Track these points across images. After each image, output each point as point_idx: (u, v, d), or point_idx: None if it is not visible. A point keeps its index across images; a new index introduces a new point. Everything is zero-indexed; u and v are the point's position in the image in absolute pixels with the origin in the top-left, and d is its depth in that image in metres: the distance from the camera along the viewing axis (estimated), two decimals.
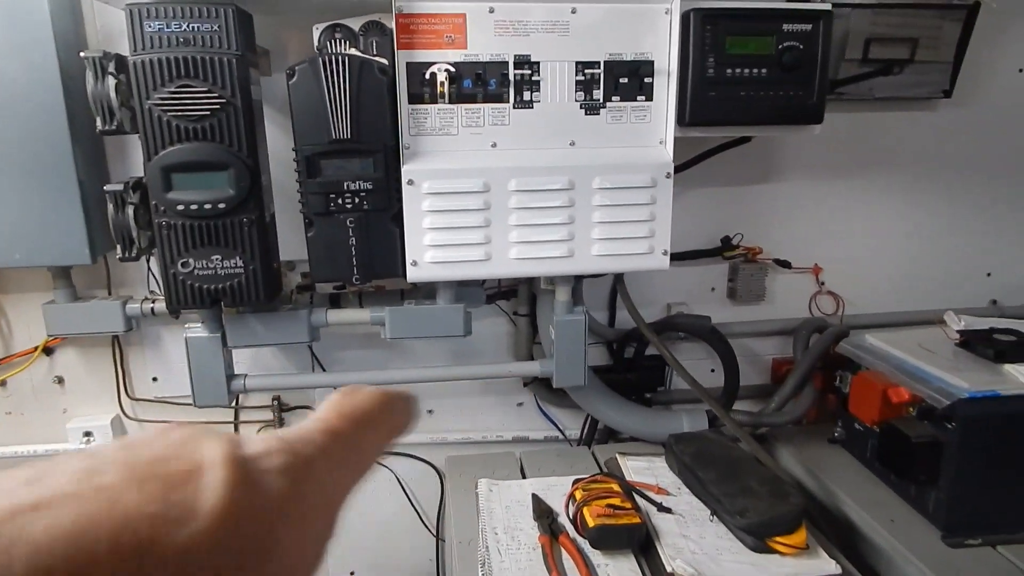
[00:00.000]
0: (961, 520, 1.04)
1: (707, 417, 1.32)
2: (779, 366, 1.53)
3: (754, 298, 1.49)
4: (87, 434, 1.34)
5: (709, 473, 1.09)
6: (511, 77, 1.05)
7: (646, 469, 1.19)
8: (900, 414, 1.12)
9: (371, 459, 0.29)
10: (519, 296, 1.38)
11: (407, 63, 1.02)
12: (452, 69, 1.03)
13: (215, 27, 0.96)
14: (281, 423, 1.42)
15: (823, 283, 1.53)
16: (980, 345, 1.17)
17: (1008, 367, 1.10)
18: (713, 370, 1.50)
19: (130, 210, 1.03)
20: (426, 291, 1.23)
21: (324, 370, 1.40)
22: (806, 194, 1.47)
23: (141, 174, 1.01)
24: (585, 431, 1.46)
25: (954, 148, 1.50)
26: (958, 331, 1.23)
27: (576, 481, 1.09)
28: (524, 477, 1.22)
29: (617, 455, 1.24)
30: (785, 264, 1.48)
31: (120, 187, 1.02)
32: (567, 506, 1.07)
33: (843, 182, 1.48)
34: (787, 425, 1.38)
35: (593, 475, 1.11)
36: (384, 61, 1.02)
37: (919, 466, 1.06)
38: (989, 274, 1.59)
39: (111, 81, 0.98)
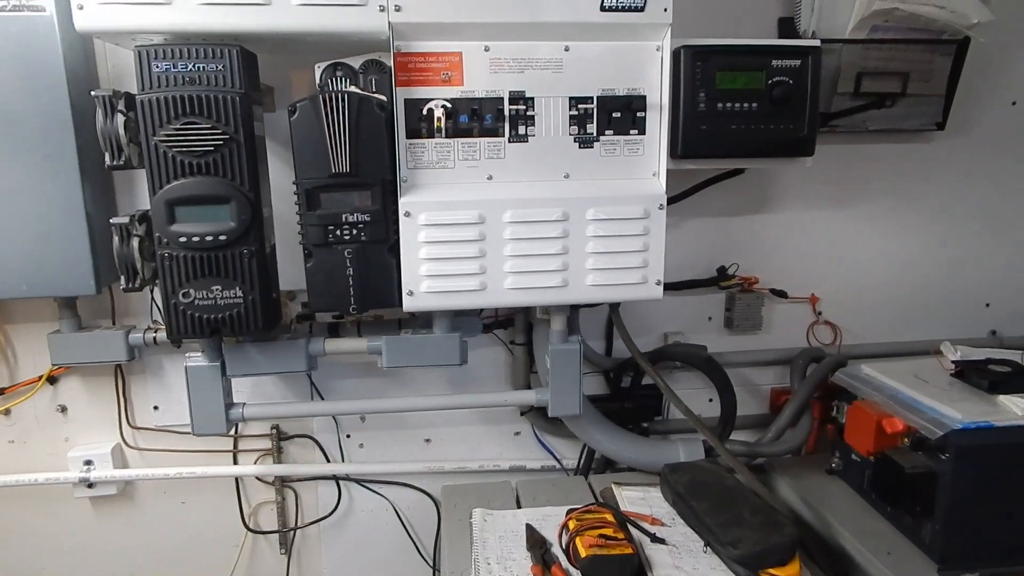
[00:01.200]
0: (957, 552, 1.03)
1: (704, 447, 1.32)
2: (777, 396, 1.53)
3: (751, 327, 1.50)
4: (87, 463, 1.35)
5: (703, 503, 1.09)
6: (506, 112, 1.07)
7: (641, 499, 1.19)
8: (894, 444, 1.12)
9: None
10: (516, 325, 1.39)
11: (405, 100, 1.05)
12: (449, 105, 1.06)
13: (220, 67, 0.99)
14: (280, 451, 1.43)
15: (820, 312, 1.53)
16: (975, 376, 1.17)
17: (1002, 398, 1.10)
18: (711, 399, 1.50)
19: (135, 242, 1.05)
20: (423, 320, 1.25)
21: (323, 398, 1.41)
22: (802, 224, 1.49)
23: (148, 207, 1.04)
24: (582, 461, 1.46)
25: (950, 179, 1.52)
26: (953, 361, 1.23)
27: (570, 511, 1.09)
28: (519, 507, 1.22)
29: (612, 485, 1.24)
30: (781, 294, 1.49)
31: (126, 220, 1.05)
32: (560, 536, 1.07)
33: (839, 212, 1.50)
34: (785, 455, 1.38)
35: (587, 505, 1.11)
36: (383, 98, 1.05)
37: (913, 497, 1.05)
38: (988, 304, 1.60)
39: (120, 118, 1.02)
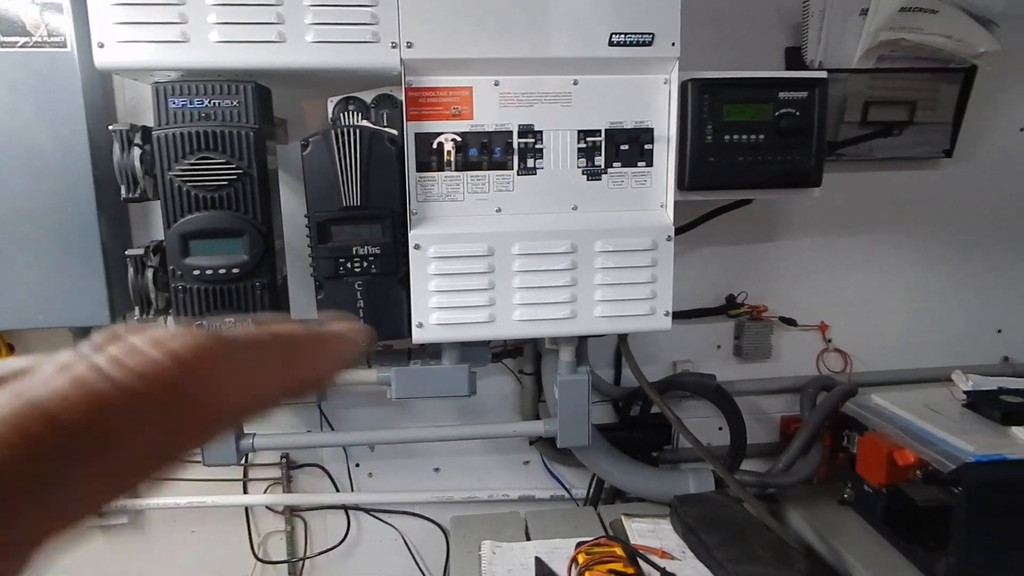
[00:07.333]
0: None
1: (714, 477, 1.32)
2: (787, 424, 1.52)
3: (760, 356, 1.50)
4: None
5: (713, 537, 1.08)
6: (515, 145, 1.09)
7: (651, 532, 1.19)
8: (906, 477, 1.11)
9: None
10: (525, 355, 1.40)
11: (416, 133, 1.07)
12: (459, 139, 1.07)
13: (235, 103, 1.01)
14: (290, 480, 1.43)
15: (830, 340, 1.53)
16: (987, 406, 1.16)
17: (1015, 429, 1.10)
18: (721, 428, 1.49)
19: (149, 273, 1.07)
20: (433, 350, 1.26)
21: (332, 428, 1.41)
22: (811, 252, 1.49)
23: (162, 239, 1.05)
24: (591, 491, 1.46)
25: (958, 206, 1.52)
26: (965, 391, 1.23)
27: (579, 544, 1.09)
28: (528, 539, 1.22)
29: (622, 517, 1.24)
30: (791, 322, 1.49)
31: (140, 251, 1.06)
32: (569, 570, 1.06)
33: (848, 240, 1.50)
34: (796, 485, 1.37)
35: (596, 538, 1.10)
36: (394, 132, 1.07)
37: (927, 531, 1.04)
38: (1000, 331, 1.59)
39: (136, 152, 1.03)
